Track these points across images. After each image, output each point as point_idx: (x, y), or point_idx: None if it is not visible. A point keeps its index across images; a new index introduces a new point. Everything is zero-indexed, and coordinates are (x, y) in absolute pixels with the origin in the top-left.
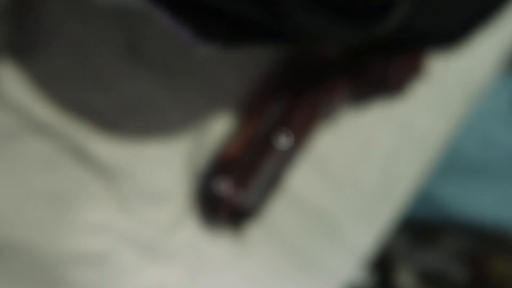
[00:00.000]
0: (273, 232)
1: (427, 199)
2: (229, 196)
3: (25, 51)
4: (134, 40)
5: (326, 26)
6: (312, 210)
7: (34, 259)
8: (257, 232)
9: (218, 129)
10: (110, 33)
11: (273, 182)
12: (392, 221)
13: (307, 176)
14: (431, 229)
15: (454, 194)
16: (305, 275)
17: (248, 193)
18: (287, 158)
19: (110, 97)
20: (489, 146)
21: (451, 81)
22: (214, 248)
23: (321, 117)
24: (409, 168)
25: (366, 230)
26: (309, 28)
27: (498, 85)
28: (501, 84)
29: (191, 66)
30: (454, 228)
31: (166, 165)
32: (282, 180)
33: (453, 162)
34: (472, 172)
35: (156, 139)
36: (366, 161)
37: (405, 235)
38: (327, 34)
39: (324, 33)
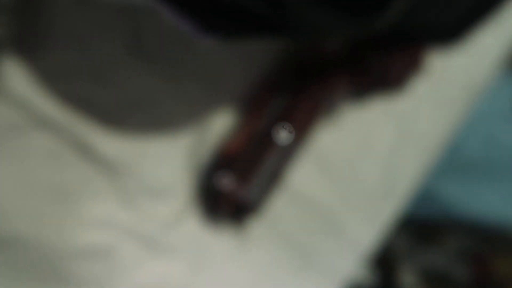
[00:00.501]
0: (275, 227)
1: (429, 197)
2: (231, 191)
3: (29, 46)
4: (137, 36)
5: (326, 19)
6: (313, 206)
7: (38, 253)
8: (259, 227)
9: (220, 124)
10: (114, 28)
11: (274, 177)
12: (394, 218)
13: (308, 172)
14: (434, 228)
15: (457, 192)
16: (306, 271)
17: (249, 188)
18: (289, 153)
19: (113, 92)
20: (491, 144)
21: (452, 78)
22: (216, 243)
23: (322, 113)
24: (410, 165)
25: (367, 226)
26: (310, 21)
27: (500, 83)
28: (504, 82)
29: (193, 62)
30: (457, 227)
31: (169, 160)
32: (283, 176)
33: (456, 161)
34: (475, 170)
35: (159, 134)
36: (367, 158)
37: (407, 233)
38: (327, 28)
39: (324, 26)
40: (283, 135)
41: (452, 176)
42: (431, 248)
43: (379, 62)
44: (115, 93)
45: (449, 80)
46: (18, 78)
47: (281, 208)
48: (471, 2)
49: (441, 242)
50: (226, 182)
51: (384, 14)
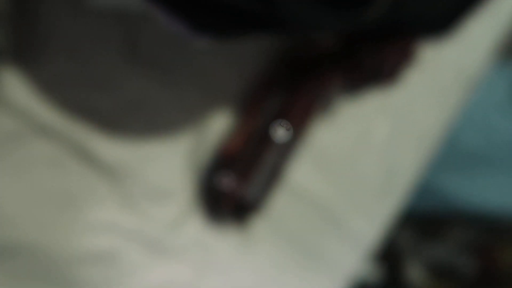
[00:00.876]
0: (277, 225)
1: (430, 191)
2: (231, 190)
3: (26, 55)
4: (132, 40)
5: (315, 15)
6: (314, 203)
7: (44, 259)
8: (261, 225)
9: (219, 125)
10: (109, 34)
11: (274, 175)
12: (395, 212)
13: (307, 169)
14: (437, 222)
15: (457, 185)
16: (310, 269)
17: (250, 186)
18: (287, 150)
19: (111, 97)
20: (489, 135)
21: (446, 70)
22: (220, 242)
23: (318, 109)
24: (408, 158)
25: (369, 222)
26: (299, 17)
27: (496, 74)
28: (499, 73)
29: (189, 64)
30: (460, 219)
31: (169, 162)
32: (283, 173)
33: (455, 153)
34: (475, 162)
35: (158, 137)
36: (365, 153)
37: (411, 228)
38: (316, 23)
39: (313, 22)
40: (280, 133)
41: (452, 168)
42: (436, 242)
43: (372, 56)
44: (114, 99)
45: (443, 71)
46: (18, 87)
47: (282, 206)
48: None
49: (446, 235)
50: (226, 181)
51: (371, 7)
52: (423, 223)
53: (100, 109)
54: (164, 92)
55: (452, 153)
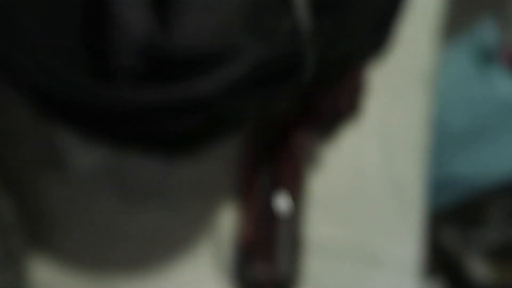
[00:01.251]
0: None
1: (449, 182)
2: (264, 277)
3: (39, 238)
4: (123, 182)
5: (255, 101)
6: (343, 250)
7: None
8: None
9: (227, 220)
10: (101, 185)
11: (296, 243)
12: (422, 218)
13: (320, 221)
14: (474, 207)
15: (467, 166)
16: None
17: (279, 264)
18: (296, 215)
19: (124, 244)
20: (473, 107)
21: (404, 71)
22: None
23: (306, 164)
24: (407, 162)
25: (402, 239)
26: (247, 109)
27: (456, 51)
28: (459, 48)
29: (180, 182)
30: (493, 195)
31: (198, 277)
32: (302, 238)
33: (451, 138)
34: (472, 138)
35: (181, 259)
36: (365, 178)
37: (452, 225)
38: (265, 102)
39: (262, 102)
40: (283, 203)
41: (455, 153)
42: (480, 228)
43: (327, 99)
44: (127, 245)
45: (402, 73)
46: (44, 273)
47: (317, 267)
48: (376, 8)
49: (488, 216)
50: (256, 270)
51: (302, 72)
52: (461, 215)
53: (119, 259)
54: (168, 217)
55: (448, 138)
